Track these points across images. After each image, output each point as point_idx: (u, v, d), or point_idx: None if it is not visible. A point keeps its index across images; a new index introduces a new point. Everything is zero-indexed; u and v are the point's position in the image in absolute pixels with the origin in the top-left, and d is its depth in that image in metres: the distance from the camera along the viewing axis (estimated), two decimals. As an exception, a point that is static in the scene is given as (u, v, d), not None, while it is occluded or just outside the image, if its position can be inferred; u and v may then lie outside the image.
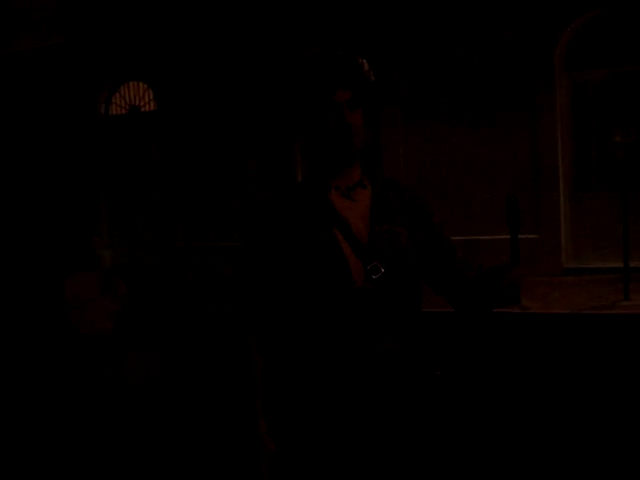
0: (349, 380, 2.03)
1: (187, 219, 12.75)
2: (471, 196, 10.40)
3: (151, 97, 13.13)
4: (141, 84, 13.23)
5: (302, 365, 2.08)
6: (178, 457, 4.84)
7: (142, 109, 13.27)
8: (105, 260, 13.32)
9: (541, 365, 6.30)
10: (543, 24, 10.21)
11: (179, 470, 4.66)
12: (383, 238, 2.09)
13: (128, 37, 12.76)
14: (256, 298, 2.15)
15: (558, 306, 8.32)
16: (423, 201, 2.23)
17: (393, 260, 2.08)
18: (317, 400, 2.06)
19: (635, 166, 9.07)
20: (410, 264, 2.12)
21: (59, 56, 13.39)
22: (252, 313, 2.16)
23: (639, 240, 9.42)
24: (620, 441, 4.61)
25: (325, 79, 2.09)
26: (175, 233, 12.81)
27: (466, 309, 2.23)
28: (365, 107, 2.13)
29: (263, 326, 2.14)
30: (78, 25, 13.18)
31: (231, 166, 12.23)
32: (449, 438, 2.17)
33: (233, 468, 4.62)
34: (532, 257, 9.88)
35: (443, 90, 10.70)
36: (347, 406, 2.04)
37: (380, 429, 2.05)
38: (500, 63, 10.43)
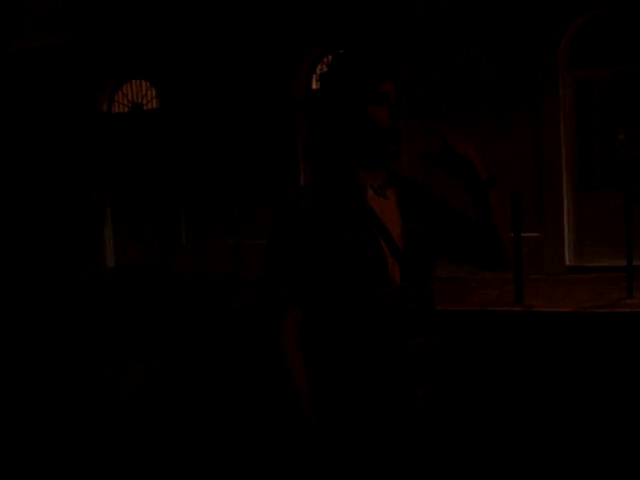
0: (389, 376, 2.05)
1: (190, 217, 12.75)
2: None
3: (154, 95, 13.13)
4: (144, 82, 13.23)
5: (337, 362, 2.06)
6: (177, 459, 4.84)
7: (145, 107, 13.26)
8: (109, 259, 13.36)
9: (544, 363, 6.29)
10: (546, 22, 10.19)
11: (178, 471, 4.66)
12: (413, 237, 2.12)
13: (131, 35, 12.76)
14: (289, 290, 2.05)
15: (561, 304, 8.31)
16: (428, 187, 2.27)
17: (422, 258, 2.13)
18: (356, 397, 2.05)
19: (638, 164, 9.05)
20: (433, 261, 2.17)
21: (61, 54, 13.39)
22: (283, 309, 2.05)
23: (643, 238, 9.40)
24: (623, 440, 4.60)
25: (373, 68, 2.08)
26: (178, 231, 12.81)
27: (491, 246, 2.20)
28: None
29: (297, 319, 2.06)
30: (80, 23, 13.18)
31: (234, 164, 12.22)
32: (462, 436, 2.18)
33: (235, 469, 4.62)
34: (535, 255, 9.88)
35: (446, 88, 10.68)
36: (385, 402, 2.05)
37: (418, 427, 2.08)
38: (503, 61, 10.41)
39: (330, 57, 11.39)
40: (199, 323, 9.04)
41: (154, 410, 5.77)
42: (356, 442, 2.04)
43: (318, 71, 11.60)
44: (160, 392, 6.24)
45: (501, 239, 2.20)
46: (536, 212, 10.17)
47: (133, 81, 13.31)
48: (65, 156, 13.55)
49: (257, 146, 12.01)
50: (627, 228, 8.46)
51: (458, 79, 10.62)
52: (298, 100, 11.60)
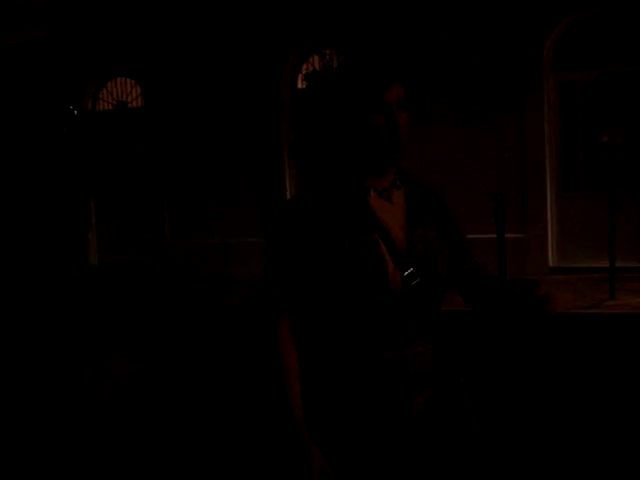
0: (385, 384, 2.02)
1: (174, 216, 12.71)
2: (458, 195, 10.38)
3: (139, 93, 13.08)
4: (128, 80, 13.17)
5: (334, 368, 2.04)
6: (160, 454, 4.82)
7: (129, 105, 13.21)
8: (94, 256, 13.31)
9: (526, 364, 6.31)
10: (531, 24, 10.23)
11: (161, 467, 4.65)
12: (419, 242, 2.07)
13: (115, 33, 12.70)
14: (287, 294, 2.03)
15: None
16: (443, 197, 2.22)
17: (428, 265, 2.06)
18: (353, 405, 2.02)
19: (621, 166, 9.12)
20: (442, 267, 2.11)
21: (45, 51, 13.31)
22: (279, 313, 2.04)
23: (625, 240, 9.47)
24: (604, 439, 4.63)
25: (377, 75, 2.03)
26: (162, 230, 12.78)
27: (477, 304, 2.24)
28: (410, 110, 2.09)
29: (292, 322, 2.05)
30: (65, 20, 13.10)
31: (219, 162, 12.20)
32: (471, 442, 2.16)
33: (221, 468, 4.61)
34: (519, 256, 9.91)
35: (430, 90, 10.70)
36: (383, 409, 2.02)
37: (417, 435, 2.05)
38: (488, 63, 10.44)
39: (316, 56, 11.40)
40: (182, 321, 9.01)
41: (138, 407, 5.75)
42: (352, 448, 2.02)
43: (304, 70, 11.59)
44: (143, 389, 6.22)
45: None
46: (520, 213, 10.21)
47: (118, 79, 13.26)
48: (50, 154, 13.47)
49: (242, 144, 11.99)
50: (610, 230, 8.51)
51: (442, 81, 10.64)
52: (283, 99, 11.59)
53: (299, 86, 11.70)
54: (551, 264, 10.31)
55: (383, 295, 2.01)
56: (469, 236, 2.28)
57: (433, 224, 2.13)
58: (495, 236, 8.26)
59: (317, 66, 11.08)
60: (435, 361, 2.08)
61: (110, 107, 13.38)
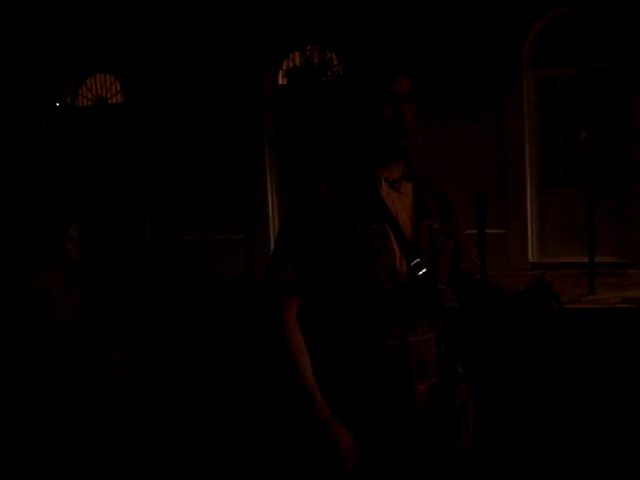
0: (389, 370, 2.05)
1: (155, 212, 12.66)
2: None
3: (118, 89, 13.01)
4: (108, 76, 13.10)
5: (338, 353, 2.07)
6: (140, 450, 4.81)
7: (109, 101, 13.14)
8: (73, 253, 13.22)
9: (506, 359, 6.35)
10: (511, 21, 10.27)
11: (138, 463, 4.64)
12: (426, 234, 2.12)
13: (95, 28, 12.63)
14: (296, 278, 2.08)
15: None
16: (446, 195, 2.28)
17: (434, 256, 2.11)
18: (357, 391, 2.06)
19: (601, 162, 9.18)
20: (446, 259, 2.16)
21: (25, 47, 13.21)
22: (286, 296, 2.09)
23: (604, 235, 9.54)
24: (584, 436, 4.66)
25: (385, 66, 2.09)
26: (143, 227, 12.72)
27: (466, 302, 2.30)
28: (417, 102, 2.13)
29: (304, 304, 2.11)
30: (44, 16, 13.01)
31: (199, 159, 12.17)
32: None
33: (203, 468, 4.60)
34: (499, 251, 9.97)
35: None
36: (387, 397, 2.06)
37: (418, 424, 2.09)
38: (468, 60, 10.47)
39: (297, 52, 11.38)
40: (165, 317, 8.99)
41: (119, 405, 5.72)
42: (355, 434, 2.04)
43: (284, 66, 11.58)
44: (128, 386, 6.19)
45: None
46: (500, 209, 10.26)
47: (97, 75, 13.18)
48: (28, 150, 13.37)
49: (223, 141, 11.96)
50: (589, 225, 8.57)
51: (421, 77, 10.64)
52: (264, 95, 11.57)
53: (280, 82, 11.69)
54: (531, 259, 10.38)
55: (390, 283, 2.05)
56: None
57: (438, 218, 2.18)
58: (476, 232, 8.29)
59: (298, 62, 11.07)
60: (437, 350, 2.12)
61: (90, 103, 13.31)
